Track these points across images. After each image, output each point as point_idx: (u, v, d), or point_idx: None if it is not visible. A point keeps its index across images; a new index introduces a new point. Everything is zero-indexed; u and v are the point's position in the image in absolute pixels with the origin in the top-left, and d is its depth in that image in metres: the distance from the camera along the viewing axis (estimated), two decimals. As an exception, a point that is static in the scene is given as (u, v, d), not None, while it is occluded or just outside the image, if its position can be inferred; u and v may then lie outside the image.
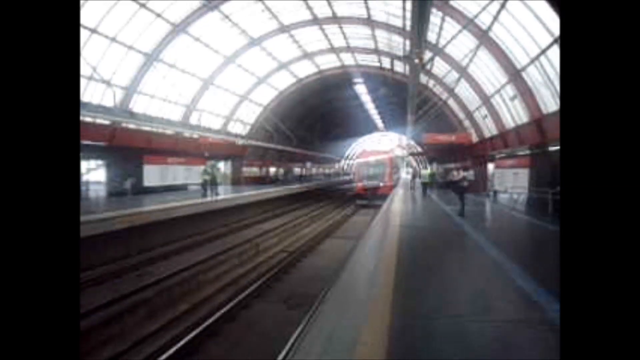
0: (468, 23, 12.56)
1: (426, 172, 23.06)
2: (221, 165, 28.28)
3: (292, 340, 4.03)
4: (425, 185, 19.76)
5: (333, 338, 3.20)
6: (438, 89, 22.78)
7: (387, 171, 28.20)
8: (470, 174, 13.06)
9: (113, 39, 14.76)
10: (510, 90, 15.30)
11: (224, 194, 18.21)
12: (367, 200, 25.98)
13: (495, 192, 19.58)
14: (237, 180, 28.37)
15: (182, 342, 5.43)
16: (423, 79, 21.16)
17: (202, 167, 20.79)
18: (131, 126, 17.50)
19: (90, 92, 15.34)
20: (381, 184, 27.24)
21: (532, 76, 13.21)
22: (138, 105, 18.06)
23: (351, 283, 4.81)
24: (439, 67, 19.83)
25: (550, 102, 12.62)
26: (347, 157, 71.26)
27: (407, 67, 18.13)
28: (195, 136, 22.42)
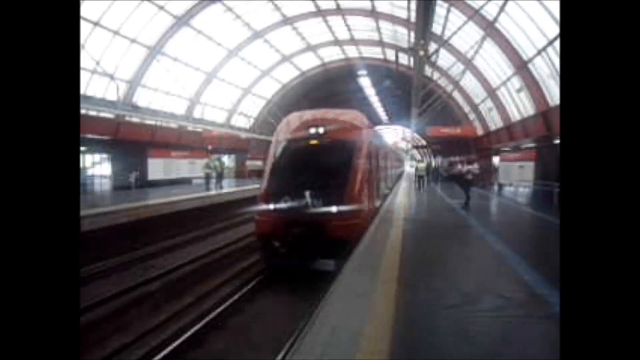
0: (474, 14, 12.37)
1: (422, 164, 22.90)
2: (225, 158, 28.31)
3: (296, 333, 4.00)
4: (421, 178, 19.65)
5: (336, 331, 3.20)
6: (443, 81, 22.56)
7: (357, 168, 7.97)
8: (475, 167, 13.08)
9: (116, 32, 14.72)
10: (516, 82, 15.11)
11: (228, 188, 18.24)
12: (284, 260, 7.48)
13: (501, 185, 19.48)
14: (240, 174, 28.41)
15: (186, 335, 5.46)
16: (428, 71, 20.95)
17: (205, 161, 20.86)
18: (135, 120, 17.53)
19: (93, 86, 15.36)
20: (335, 209, 7.39)
21: (539, 68, 13.02)
22: (141, 98, 18.07)
23: (354, 276, 4.80)
24: (444, 59, 19.62)
25: (557, 95, 12.45)
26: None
27: (412, 59, 17.94)
28: (199, 130, 22.44)
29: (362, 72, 24.37)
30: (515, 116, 17.04)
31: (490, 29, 13.70)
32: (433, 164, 40.34)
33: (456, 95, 23.10)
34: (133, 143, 17.54)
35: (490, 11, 12.67)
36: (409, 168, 47.55)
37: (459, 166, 14.31)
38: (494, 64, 16.12)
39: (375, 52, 25.85)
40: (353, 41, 24.23)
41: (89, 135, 14.98)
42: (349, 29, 22.36)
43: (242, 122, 27.53)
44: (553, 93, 12.73)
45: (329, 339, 3.06)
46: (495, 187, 20.07)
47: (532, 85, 13.74)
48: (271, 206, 7.72)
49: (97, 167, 18.47)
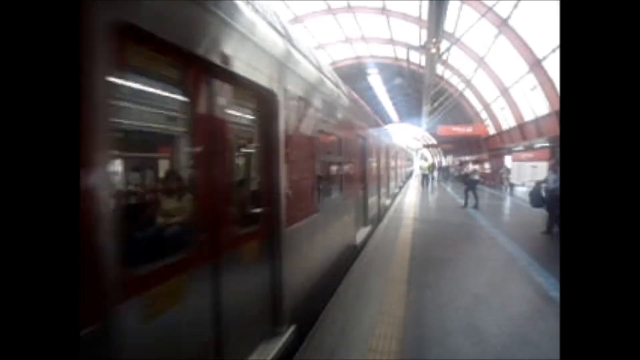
0: (487, 11, 12.19)
1: (425, 164, 22.96)
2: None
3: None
4: (425, 177, 20.13)
5: (346, 330, 3.19)
6: (455, 80, 22.33)
7: None
8: (480, 167, 13.24)
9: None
10: (530, 81, 14.87)
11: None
12: None
13: (512, 186, 19.19)
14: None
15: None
16: (439, 69, 20.75)
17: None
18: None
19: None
20: None
21: (554, 66, 12.79)
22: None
23: (365, 274, 4.78)
24: (456, 57, 19.40)
25: (572, 93, 12.23)
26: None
27: (423, 58, 17.80)
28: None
29: (373, 70, 24.24)
30: (528, 115, 16.77)
31: (503, 26, 13.50)
32: (444, 163, 39.97)
33: (468, 93, 22.84)
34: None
35: (503, 8, 12.49)
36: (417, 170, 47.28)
37: (470, 166, 14.26)
38: (507, 62, 15.88)
39: (386, 50, 25.67)
40: (363, 39, 24.11)
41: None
42: (360, 27, 22.26)
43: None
44: (568, 92, 12.50)
45: (338, 339, 3.06)
46: (507, 187, 19.80)
47: (547, 84, 13.50)
48: None
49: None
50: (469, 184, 12.24)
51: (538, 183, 8.34)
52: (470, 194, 11.92)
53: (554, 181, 7.25)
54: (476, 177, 12.38)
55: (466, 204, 11.71)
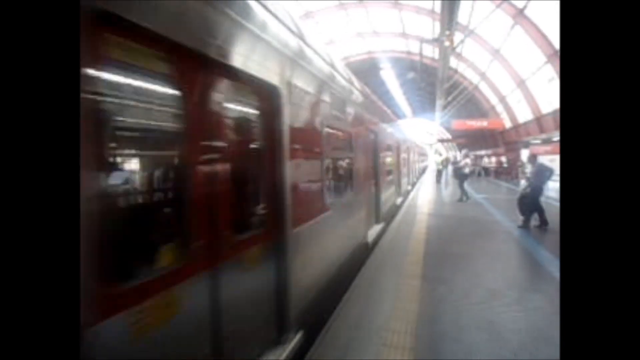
0: (502, 2, 11.93)
1: (440, 158, 22.75)
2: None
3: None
4: (440, 172, 20.28)
5: (360, 325, 3.22)
6: (469, 73, 21.95)
7: None
8: (468, 161, 13.64)
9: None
10: (547, 72, 14.51)
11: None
12: None
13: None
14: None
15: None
16: (453, 62, 20.42)
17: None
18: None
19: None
20: None
21: (572, 56, 12.46)
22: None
23: (379, 267, 4.79)
24: (471, 49, 19.06)
25: (591, 84, 11.91)
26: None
27: (437, 51, 17.55)
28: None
29: (385, 65, 24.03)
30: (546, 108, 16.39)
31: (519, 16, 13.20)
32: (458, 157, 39.37)
33: (483, 86, 22.43)
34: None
35: (519, -2, 12.21)
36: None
37: (467, 161, 14.31)
38: (523, 53, 15.53)
39: (398, 44, 25.40)
40: (375, 33, 23.91)
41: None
42: (371, 21, 22.08)
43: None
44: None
45: (352, 334, 3.09)
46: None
47: (565, 75, 13.16)
48: None
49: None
50: (460, 177, 12.57)
51: (525, 188, 8.48)
52: (465, 186, 12.33)
53: (535, 174, 7.80)
54: (466, 170, 12.70)
55: (467, 197, 12.07)
